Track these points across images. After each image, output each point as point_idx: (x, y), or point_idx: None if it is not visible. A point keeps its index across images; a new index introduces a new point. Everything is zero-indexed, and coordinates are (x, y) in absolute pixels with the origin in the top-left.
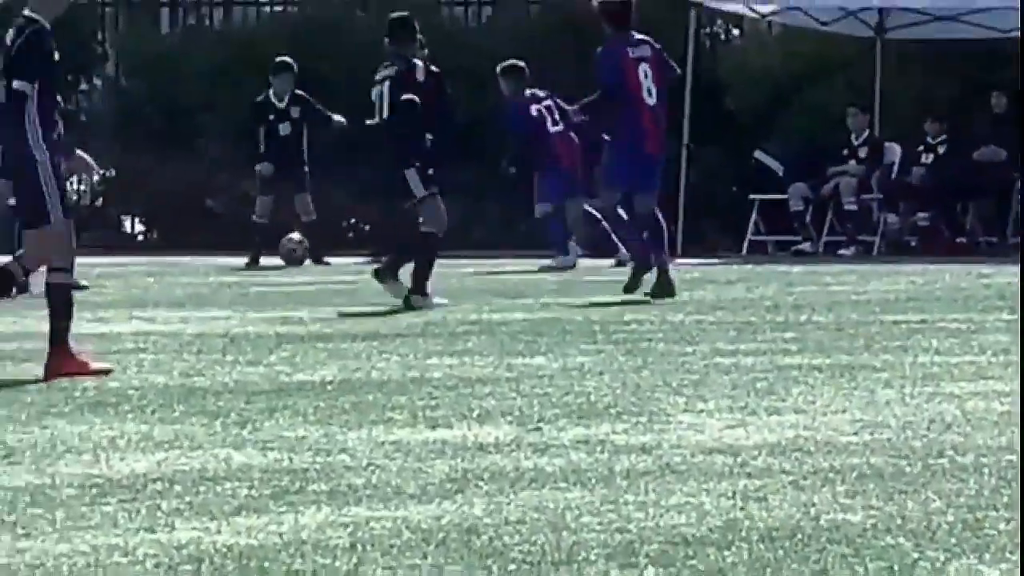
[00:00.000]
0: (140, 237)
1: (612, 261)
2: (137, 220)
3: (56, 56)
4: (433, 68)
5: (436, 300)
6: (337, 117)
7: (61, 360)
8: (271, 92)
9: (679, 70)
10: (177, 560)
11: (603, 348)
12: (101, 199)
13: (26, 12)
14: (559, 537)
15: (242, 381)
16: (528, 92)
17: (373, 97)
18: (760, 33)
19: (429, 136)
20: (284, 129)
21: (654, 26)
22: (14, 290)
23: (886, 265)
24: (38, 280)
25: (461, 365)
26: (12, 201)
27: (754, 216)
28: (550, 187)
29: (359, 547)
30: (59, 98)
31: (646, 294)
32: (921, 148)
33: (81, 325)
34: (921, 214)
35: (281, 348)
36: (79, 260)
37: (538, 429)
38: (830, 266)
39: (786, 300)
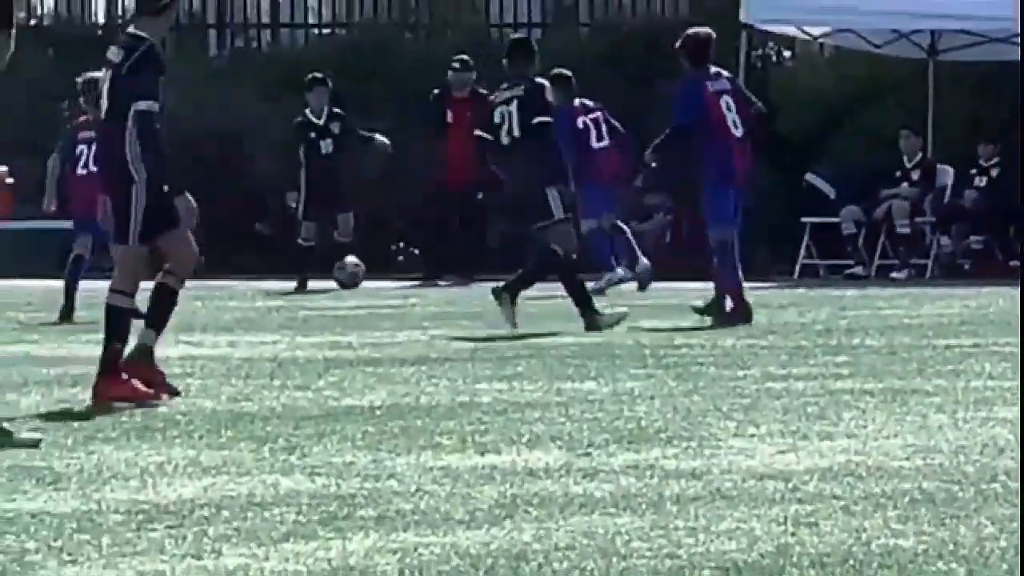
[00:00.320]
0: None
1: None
2: None
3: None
4: (481, 91)
5: (516, 319)
6: (380, 137)
7: (110, 383)
8: (308, 110)
9: (759, 104)
10: None
11: (653, 373)
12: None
13: (131, 30)
14: (609, 563)
15: (290, 406)
16: (578, 102)
17: (496, 119)
18: (812, 55)
19: None
20: (326, 147)
21: None
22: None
23: (939, 289)
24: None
25: (510, 390)
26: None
27: (806, 239)
28: (594, 202)
29: (407, 573)
30: None
31: (697, 309)
32: (974, 171)
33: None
34: (974, 237)
35: (330, 373)
36: None
37: (588, 454)
38: (882, 290)
39: (838, 324)
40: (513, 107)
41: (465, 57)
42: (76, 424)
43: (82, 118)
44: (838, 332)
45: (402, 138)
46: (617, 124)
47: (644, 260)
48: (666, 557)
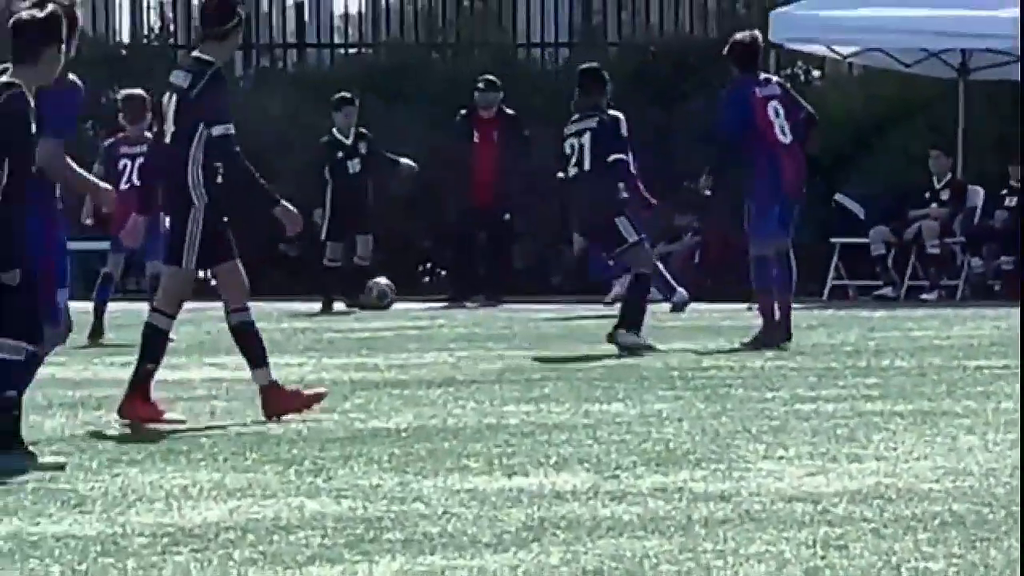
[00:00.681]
0: (213, 282)
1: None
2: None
3: None
4: (508, 111)
5: (647, 341)
6: (406, 161)
7: (136, 403)
8: (335, 130)
9: (812, 110)
10: None
11: (681, 394)
12: None
13: (197, 54)
14: None
15: (316, 428)
16: None
17: (566, 150)
18: (841, 75)
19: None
20: (353, 167)
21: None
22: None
23: (969, 310)
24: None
25: (538, 412)
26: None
27: (835, 260)
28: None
29: None
30: None
31: (743, 343)
32: (1004, 191)
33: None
34: (1004, 258)
35: (356, 395)
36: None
37: (615, 476)
38: (912, 311)
39: (868, 345)
40: (586, 139)
41: (491, 77)
42: (101, 447)
43: (121, 134)
44: (867, 353)
45: (428, 158)
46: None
47: (682, 291)
48: None
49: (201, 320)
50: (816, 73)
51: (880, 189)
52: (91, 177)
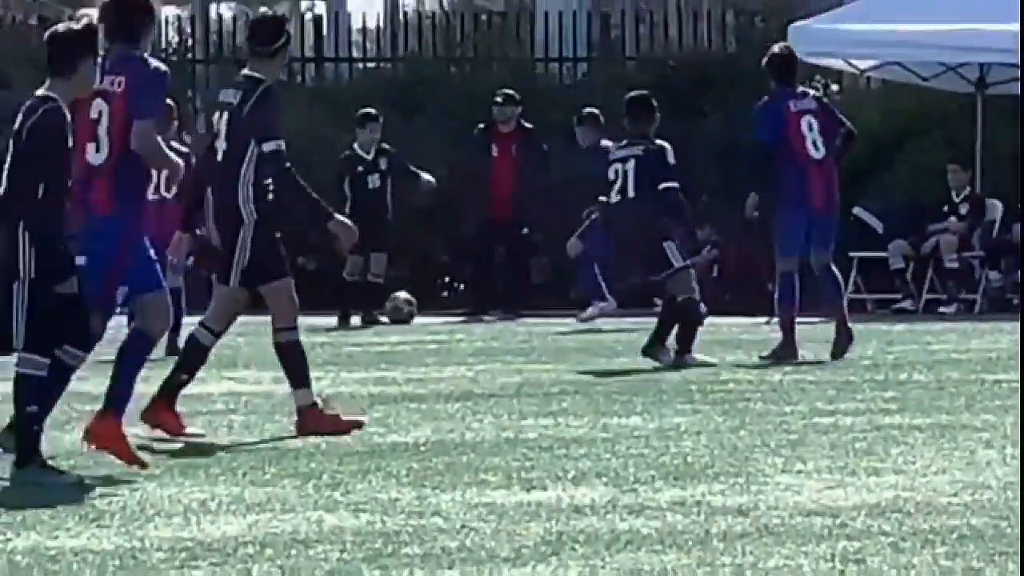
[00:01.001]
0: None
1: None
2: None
3: None
4: (526, 125)
5: (701, 357)
6: (426, 176)
7: (161, 409)
8: (356, 145)
9: (850, 125)
10: None
11: (700, 408)
12: (192, 259)
13: (247, 72)
14: None
15: (334, 442)
16: (610, 143)
17: (610, 175)
18: (859, 88)
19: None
20: (373, 182)
21: (752, 81)
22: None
23: (987, 323)
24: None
25: (556, 425)
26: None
27: (853, 274)
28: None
29: None
30: None
31: (762, 357)
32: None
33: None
34: None
35: (374, 408)
36: None
37: (634, 490)
38: (930, 324)
39: (886, 359)
40: (630, 166)
41: (510, 91)
42: (119, 461)
43: None
44: (886, 367)
45: (446, 172)
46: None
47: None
48: None
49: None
50: (834, 87)
51: (898, 203)
52: (171, 155)
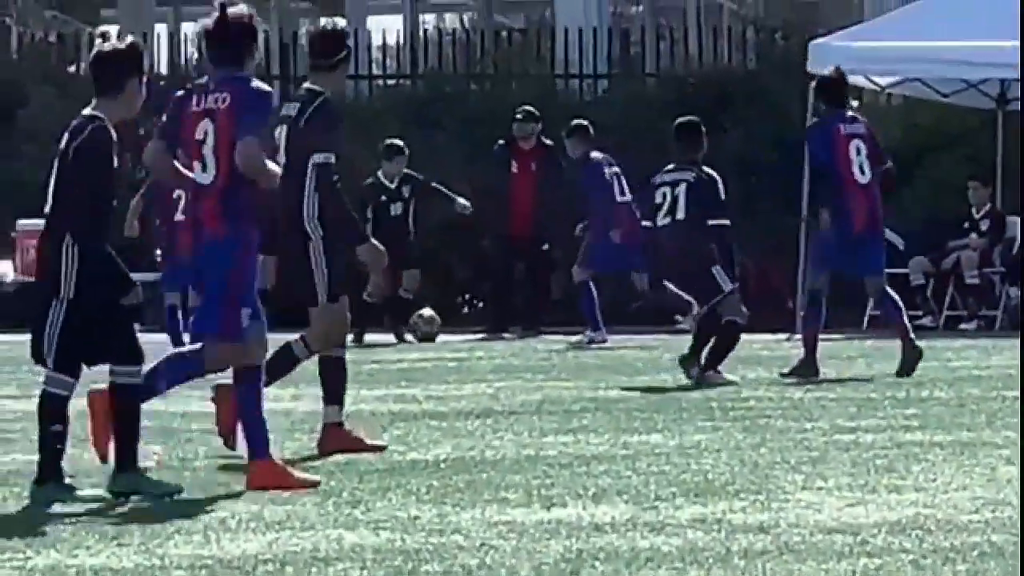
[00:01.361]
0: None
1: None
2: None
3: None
4: (546, 141)
5: (727, 376)
6: (461, 200)
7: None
8: (380, 173)
9: (892, 167)
10: None
11: (720, 425)
12: None
13: (307, 85)
14: None
15: (354, 460)
16: (601, 155)
17: (657, 199)
18: (879, 105)
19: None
20: (396, 209)
21: (772, 98)
22: (295, 368)
23: (1008, 340)
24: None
25: (576, 443)
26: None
27: None
28: (598, 256)
29: None
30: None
31: (783, 374)
32: None
33: (191, 403)
34: None
35: (394, 426)
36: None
37: (654, 508)
38: (951, 341)
39: (906, 376)
40: (681, 190)
41: (530, 108)
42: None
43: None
44: (907, 384)
45: (466, 189)
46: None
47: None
48: None
49: None
50: (855, 103)
51: (919, 219)
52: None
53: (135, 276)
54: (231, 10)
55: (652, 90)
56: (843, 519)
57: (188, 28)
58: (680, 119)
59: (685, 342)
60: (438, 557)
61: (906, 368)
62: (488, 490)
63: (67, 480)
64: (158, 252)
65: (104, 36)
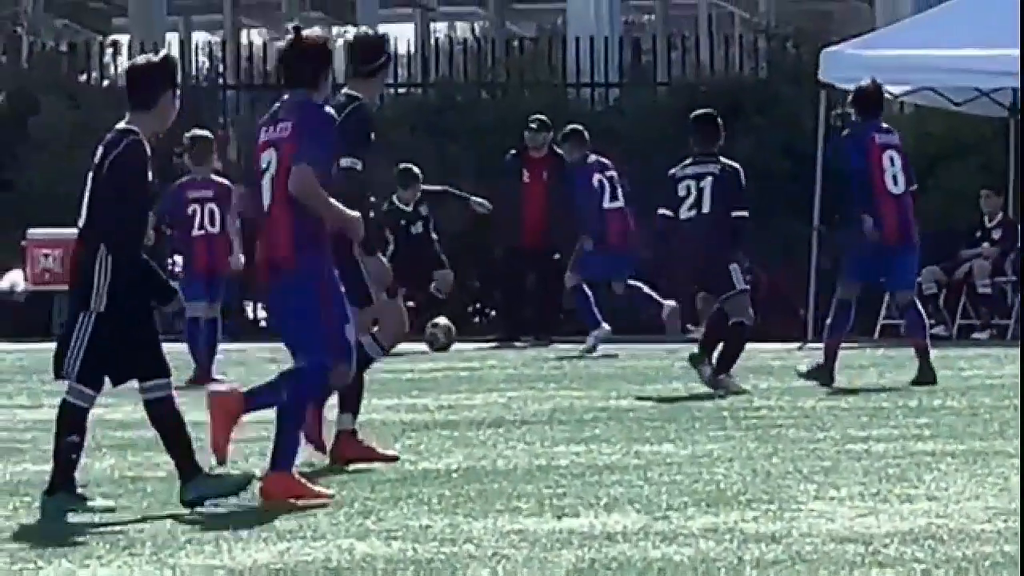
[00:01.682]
0: (263, 323)
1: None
2: (260, 306)
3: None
4: (558, 150)
5: (739, 383)
6: (477, 199)
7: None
8: (395, 198)
9: (915, 189)
10: None
11: (733, 435)
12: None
13: (346, 90)
14: None
15: (366, 469)
16: (593, 158)
17: (681, 192)
18: (892, 114)
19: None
20: (416, 228)
21: (784, 107)
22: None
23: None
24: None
25: (588, 452)
26: None
27: (886, 299)
28: (589, 261)
29: None
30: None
31: (800, 372)
32: None
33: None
34: None
35: (406, 436)
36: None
37: (666, 517)
38: (963, 350)
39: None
40: (707, 183)
41: (542, 117)
42: (150, 488)
43: (187, 177)
44: (919, 393)
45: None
46: (626, 184)
47: (669, 303)
48: None
49: (251, 362)
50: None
51: (931, 228)
52: (340, 206)
53: None
54: (306, 32)
55: (664, 99)
56: (855, 529)
57: (198, 37)
58: (697, 111)
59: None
60: (450, 567)
61: (919, 381)
62: (500, 500)
63: (79, 490)
64: (170, 261)
65: (115, 45)
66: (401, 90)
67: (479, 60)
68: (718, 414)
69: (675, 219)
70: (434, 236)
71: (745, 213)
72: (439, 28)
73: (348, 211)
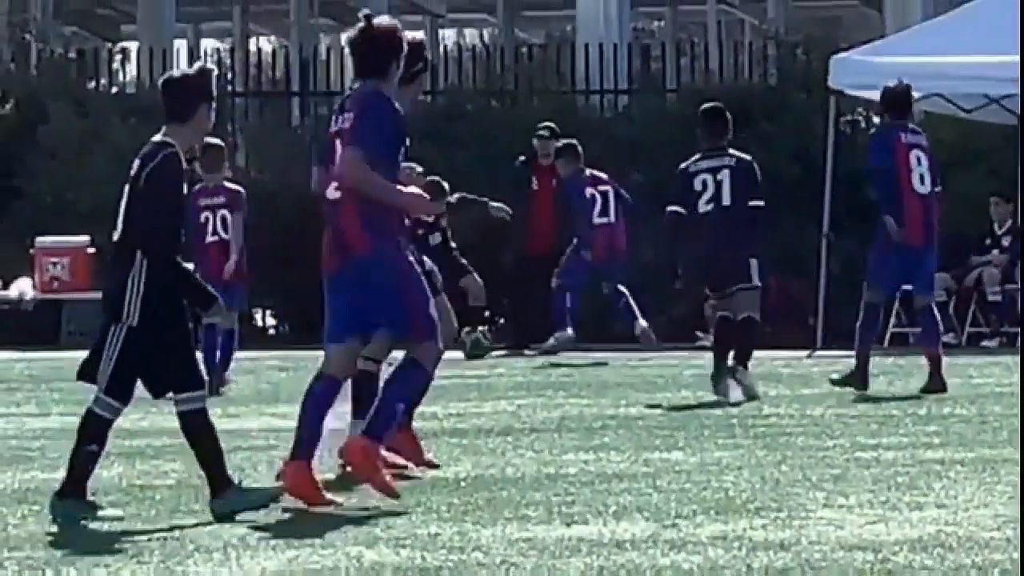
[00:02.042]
0: (272, 331)
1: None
2: (268, 313)
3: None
4: None
5: (755, 383)
6: (496, 204)
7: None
8: None
9: (940, 190)
10: None
11: (742, 443)
12: None
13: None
14: None
15: None
16: (588, 173)
17: (697, 186)
18: None
19: None
20: (434, 239)
21: (793, 113)
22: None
23: None
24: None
25: (597, 460)
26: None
27: (896, 307)
28: (575, 269)
29: None
30: None
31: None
32: None
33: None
34: None
35: None
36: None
37: (675, 525)
38: (973, 358)
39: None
40: (724, 176)
41: (551, 124)
42: (158, 496)
43: (198, 184)
44: (928, 401)
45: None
46: (626, 195)
47: (642, 322)
48: None
49: (259, 370)
50: (876, 119)
51: (941, 236)
52: (399, 187)
53: None
54: (376, 20)
55: (672, 105)
56: (864, 536)
57: (207, 44)
58: (705, 105)
59: (705, 359)
60: (458, 574)
61: (928, 389)
62: (509, 508)
63: (90, 497)
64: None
65: (124, 53)
66: None
67: (488, 67)
68: (727, 422)
69: (686, 215)
70: (452, 244)
71: (762, 203)
72: (448, 35)
73: (407, 190)
